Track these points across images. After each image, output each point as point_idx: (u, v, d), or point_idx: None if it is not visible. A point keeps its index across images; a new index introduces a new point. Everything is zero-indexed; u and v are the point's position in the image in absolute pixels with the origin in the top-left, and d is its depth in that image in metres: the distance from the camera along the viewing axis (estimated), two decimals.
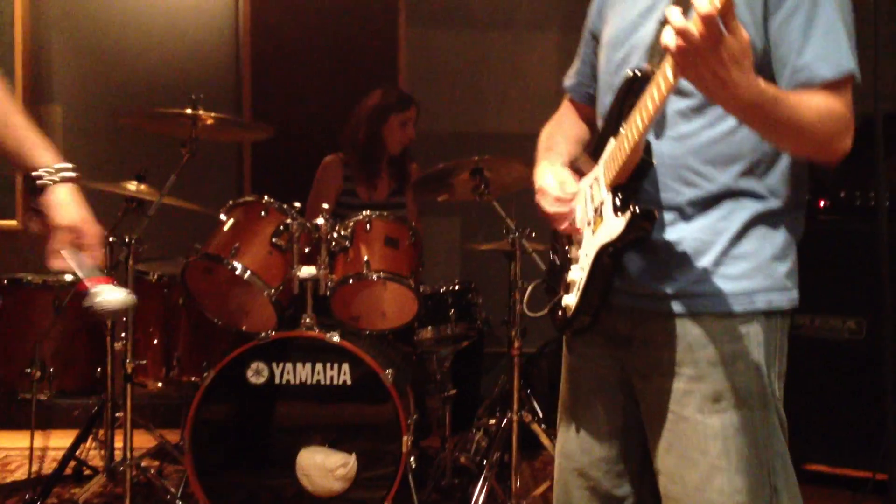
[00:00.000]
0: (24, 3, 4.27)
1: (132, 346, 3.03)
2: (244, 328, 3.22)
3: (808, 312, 3.24)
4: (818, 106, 1.47)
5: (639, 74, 1.54)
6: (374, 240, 3.20)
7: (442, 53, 4.52)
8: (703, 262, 1.59)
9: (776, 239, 1.61)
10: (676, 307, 1.60)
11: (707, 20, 1.25)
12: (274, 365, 2.98)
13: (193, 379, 3.26)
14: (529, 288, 2.30)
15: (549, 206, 1.71)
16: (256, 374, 2.98)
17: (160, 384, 3.30)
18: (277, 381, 2.98)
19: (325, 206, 3.21)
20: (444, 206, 3.82)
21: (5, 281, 3.21)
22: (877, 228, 2.75)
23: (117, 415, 3.16)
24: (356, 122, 3.83)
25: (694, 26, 1.26)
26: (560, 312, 1.74)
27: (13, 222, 4.33)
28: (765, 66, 1.53)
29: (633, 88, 1.54)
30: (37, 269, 3.63)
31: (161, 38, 4.36)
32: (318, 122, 4.35)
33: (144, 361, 3.19)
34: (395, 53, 4.48)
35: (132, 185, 3.30)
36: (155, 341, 3.30)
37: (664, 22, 1.31)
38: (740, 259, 1.59)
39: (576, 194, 1.70)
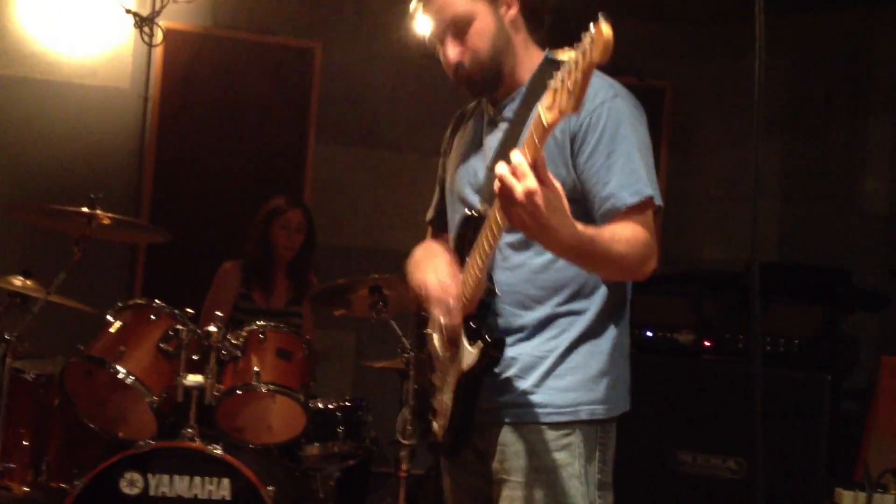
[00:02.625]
0: None
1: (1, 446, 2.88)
2: (121, 435, 3.09)
3: (689, 450, 3.31)
4: (627, 237, 1.63)
5: (475, 215, 1.70)
6: (266, 350, 3.17)
7: (348, 170, 4.61)
8: (535, 376, 1.74)
9: (601, 355, 1.77)
10: (507, 417, 1.75)
11: (516, 169, 1.39)
12: (150, 476, 2.86)
13: (63, 485, 3.09)
14: (402, 415, 2.37)
15: (434, 310, 1.76)
16: (130, 484, 2.85)
17: (26, 489, 3.12)
18: (152, 493, 2.86)
19: (219, 313, 3.18)
20: (341, 320, 3.82)
21: None
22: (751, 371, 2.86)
23: None
24: (249, 229, 3.88)
25: (509, 177, 1.40)
26: (431, 436, 1.85)
27: None
28: (578, 199, 1.69)
29: (471, 226, 1.70)
30: None
31: (65, 132, 4.32)
32: (218, 229, 4.33)
33: (12, 465, 3.02)
34: (302, 166, 4.54)
35: (17, 280, 3.20)
36: (25, 443, 3.13)
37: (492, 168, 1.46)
38: (567, 373, 1.74)
39: (452, 282, 1.75)
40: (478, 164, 1.85)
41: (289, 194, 4.05)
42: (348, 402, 3.38)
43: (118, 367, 2.98)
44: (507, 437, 1.74)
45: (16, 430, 3.10)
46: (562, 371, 1.74)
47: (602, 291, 1.77)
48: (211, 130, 4.48)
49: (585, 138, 1.69)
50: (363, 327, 4.13)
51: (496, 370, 1.71)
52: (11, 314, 3.14)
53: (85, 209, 3.15)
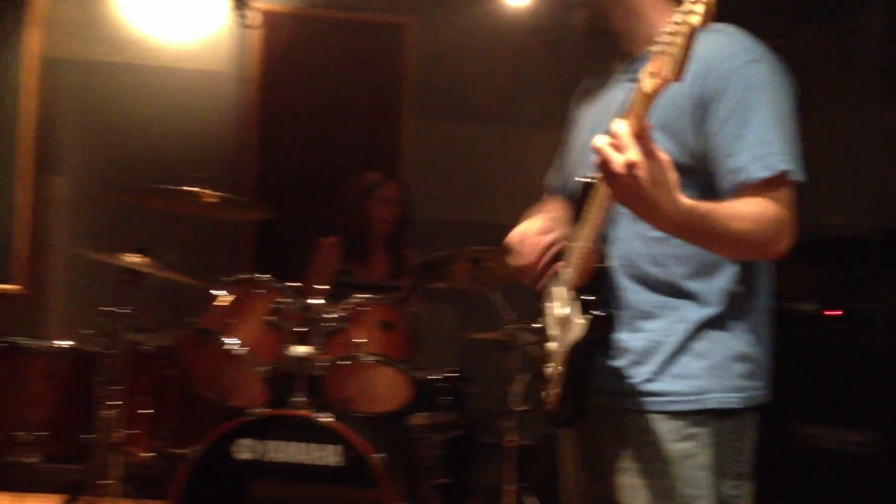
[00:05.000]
0: (35, 76, 4.37)
1: (122, 414, 3.01)
2: (234, 404, 3.20)
3: (814, 423, 3.20)
4: (752, 213, 1.52)
5: (590, 182, 1.60)
6: (369, 322, 3.22)
7: (444, 144, 4.63)
8: (655, 361, 1.64)
9: (732, 338, 1.65)
10: (626, 404, 1.65)
11: (616, 140, 1.33)
12: (262, 442, 2.95)
13: (181, 451, 3.21)
14: (521, 382, 2.33)
15: (510, 259, 1.76)
16: (244, 450, 2.95)
17: (148, 454, 3.26)
18: (265, 458, 2.95)
19: (322, 286, 3.25)
20: (442, 293, 3.85)
21: (2, 345, 3.21)
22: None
23: (103, 482, 3.12)
24: (346, 204, 3.93)
25: (608, 148, 1.34)
26: (544, 406, 1.78)
27: (13, 286, 4.32)
28: (702, 170, 1.60)
29: (585, 194, 1.61)
30: (34, 334, 3.63)
31: (168, 114, 4.45)
32: (318, 205, 4.41)
33: (135, 431, 3.16)
34: (398, 142, 4.58)
35: (132, 258, 3.33)
36: (145, 411, 3.27)
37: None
38: (692, 359, 1.63)
39: (539, 249, 1.73)
40: (598, 128, 1.73)
41: (383, 168, 4.09)
42: (452, 372, 3.41)
43: (228, 339, 3.08)
44: (627, 424, 1.66)
45: (136, 399, 3.24)
46: (685, 356, 1.63)
47: (732, 267, 1.65)
48: (308, 109, 4.55)
49: (716, 105, 1.57)
50: (464, 299, 4.16)
51: (613, 352, 1.65)
52: (128, 290, 3.27)
53: (192, 188, 3.25)
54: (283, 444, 2.95)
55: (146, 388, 3.28)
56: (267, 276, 3.24)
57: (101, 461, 3.10)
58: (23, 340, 3.27)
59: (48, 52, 4.39)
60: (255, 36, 4.47)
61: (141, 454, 3.25)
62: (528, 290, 1.82)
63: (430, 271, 3.56)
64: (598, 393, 1.67)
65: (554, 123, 4.42)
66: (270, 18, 4.48)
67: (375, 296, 3.30)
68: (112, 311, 3.14)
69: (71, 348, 3.26)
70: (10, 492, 3.17)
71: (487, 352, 3.46)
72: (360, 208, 3.90)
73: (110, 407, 3.06)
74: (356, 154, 4.51)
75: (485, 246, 3.32)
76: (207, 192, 3.27)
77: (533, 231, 1.76)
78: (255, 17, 4.41)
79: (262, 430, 2.95)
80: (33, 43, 4.35)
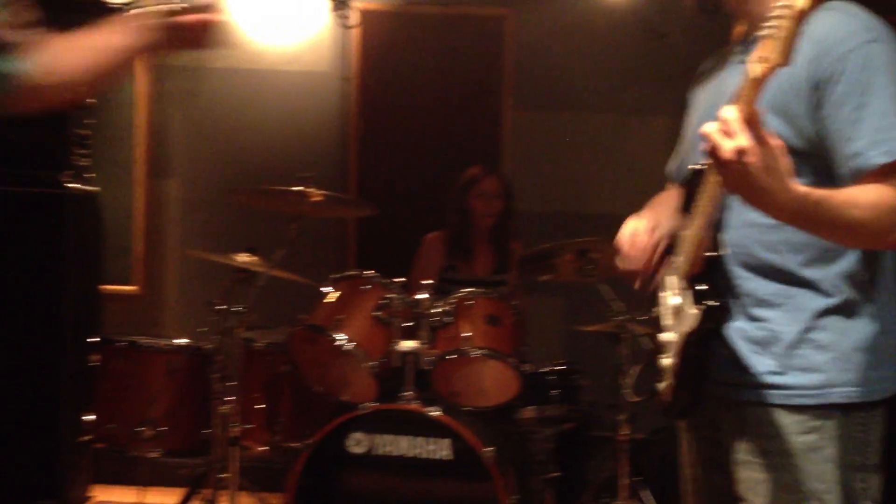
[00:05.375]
0: (147, 82, 4.52)
1: (237, 409, 3.10)
2: (344, 398, 3.25)
3: None
4: (870, 201, 1.46)
5: (701, 169, 1.57)
6: (475, 316, 3.22)
7: (546, 135, 4.58)
8: (774, 352, 1.59)
9: (856, 330, 1.58)
10: (745, 396, 1.61)
11: (725, 126, 1.29)
12: (374, 436, 2.98)
13: (295, 445, 3.28)
14: (632, 372, 2.29)
15: (619, 262, 1.73)
16: (356, 443, 2.99)
17: (263, 448, 3.34)
18: (377, 452, 2.98)
19: (427, 281, 3.26)
20: (548, 286, 3.82)
21: (122, 344, 3.33)
22: None
23: (222, 476, 3.21)
24: (448, 200, 3.94)
25: (718, 134, 1.30)
26: (659, 398, 1.76)
27: (131, 288, 4.49)
28: (817, 154, 1.54)
29: (696, 181, 1.58)
30: (151, 333, 3.76)
31: (274, 116, 4.54)
32: (422, 201, 4.43)
33: (250, 426, 3.24)
34: (499, 135, 4.56)
35: (243, 257, 3.40)
36: (259, 406, 3.35)
37: None
38: (813, 351, 1.58)
39: (648, 250, 1.71)
40: (713, 112, 1.74)
41: (484, 162, 4.09)
42: (562, 365, 3.38)
43: (337, 335, 3.12)
44: (746, 416, 1.62)
45: (250, 394, 3.32)
46: (807, 348, 1.58)
47: (853, 252, 1.58)
48: (409, 105, 4.57)
49: (832, 88, 1.51)
50: (571, 292, 4.12)
51: (730, 342, 1.61)
52: (239, 289, 3.35)
53: (298, 188, 3.31)
54: (393, 437, 2.98)
55: (259, 383, 3.36)
56: (373, 273, 3.28)
57: (220, 455, 3.19)
58: (142, 339, 3.39)
59: (158, 60, 4.53)
60: (355, 35, 4.52)
61: (257, 448, 3.33)
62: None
63: (535, 264, 3.54)
64: (714, 384, 1.64)
65: (658, 110, 4.38)
66: (369, 17, 4.52)
67: (481, 290, 3.29)
68: (225, 309, 3.22)
69: (187, 346, 3.36)
70: (134, 486, 3.30)
71: (597, 344, 3.42)
72: (462, 204, 3.91)
73: (226, 402, 3.14)
74: (457, 149, 4.50)
75: (590, 237, 3.28)
76: (313, 191, 3.32)
77: (640, 231, 1.73)
78: (354, 17, 4.46)
79: (373, 424, 2.99)
80: None
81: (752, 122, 1.30)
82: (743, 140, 1.29)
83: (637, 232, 1.74)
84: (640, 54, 4.45)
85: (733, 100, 1.34)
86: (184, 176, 4.56)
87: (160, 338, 3.50)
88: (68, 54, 1.57)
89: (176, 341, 3.38)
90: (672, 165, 1.96)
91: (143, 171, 4.50)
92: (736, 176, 1.32)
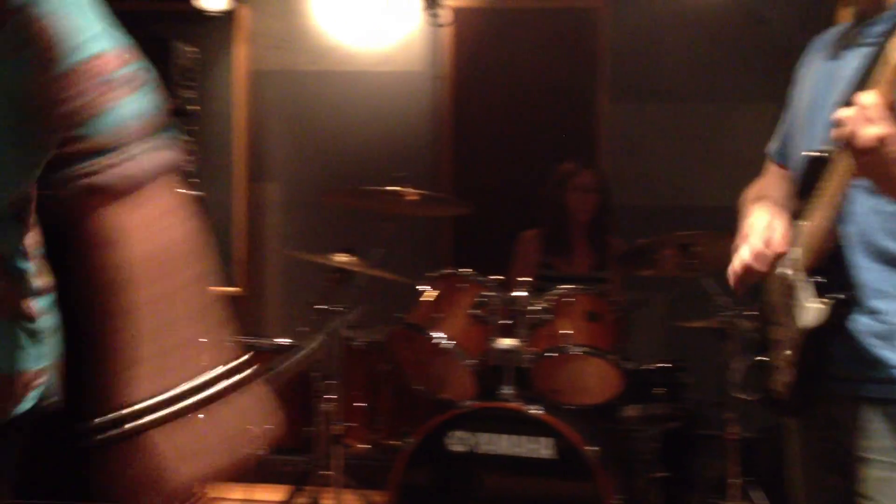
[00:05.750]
0: (245, 89, 4.62)
1: (339, 407, 3.13)
2: (444, 396, 3.24)
3: None
4: None
5: (820, 156, 1.51)
6: (575, 313, 3.17)
7: (643, 127, 4.49)
8: None
9: None
10: (867, 392, 1.54)
11: (864, 112, 1.25)
12: (475, 434, 2.97)
13: (396, 442, 3.30)
14: (740, 371, 2.20)
15: (746, 256, 1.64)
16: (457, 442, 2.98)
17: (365, 445, 3.37)
18: (478, 450, 2.96)
19: (525, 278, 3.24)
20: (649, 281, 3.74)
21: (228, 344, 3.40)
22: None
23: (325, 473, 3.24)
24: (543, 196, 3.89)
25: (858, 121, 1.25)
26: (771, 395, 1.69)
27: (234, 289, 4.60)
28: None
29: (815, 168, 1.51)
30: (254, 333, 3.84)
31: (368, 117, 4.58)
32: (517, 197, 4.40)
33: (352, 424, 3.27)
34: (594, 128, 4.49)
35: (341, 257, 3.44)
36: (360, 404, 3.38)
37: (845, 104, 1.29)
38: None
39: (779, 254, 1.62)
40: (827, 96, 1.63)
41: (579, 157, 4.03)
42: (666, 363, 3.31)
43: (436, 333, 3.13)
44: (869, 413, 1.54)
45: (351, 393, 3.35)
46: None
47: None
48: (502, 101, 4.55)
49: None
50: (673, 287, 4.03)
51: (851, 335, 1.54)
52: (338, 289, 3.38)
53: (393, 188, 3.33)
54: (494, 436, 2.96)
55: (360, 382, 3.39)
56: (470, 271, 3.27)
57: (323, 453, 3.23)
58: (244, 339, 3.45)
59: (255, 66, 4.63)
60: (447, 34, 4.52)
61: (358, 446, 3.36)
62: None
63: (635, 259, 3.47)
64: (832, 380, 1.57)
65: (761, 97, 4.24)
66: (460, 15, 4.52)
67: (580, 286, 3.25)
68: (326, 309, 3.25)
69: (289, 345, 3.41)
70: (241, 483, 3.36)
71: (702, 340, 3.32)
72: (558, 199, 3.86)
73: (328, 400, 3.18)
74: (552, 144, 4.45)
75: (691, 230, 3.19)
76: (408, 190, 3.33)
77: (776, 230, 1.62)
78: (445, 15, 4.45)
79: (474, 422, 2.97)
80: (241, 58, 4.61)
81: (894, 109, 1.26)
82: (885, 127, 1.24)
83: (773, 228, 1.63)
84: (739, 40, 4.32)
85: (870, 85, 1.29)
86: (282, 179, 4.64)
87: (263, 337, 3.56)
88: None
89: (278, 341, 3.44)
90: (774, 146, 1.88)
91: (243, 176, 4.60)
92: (874, 164, 1.28)
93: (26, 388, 1.11)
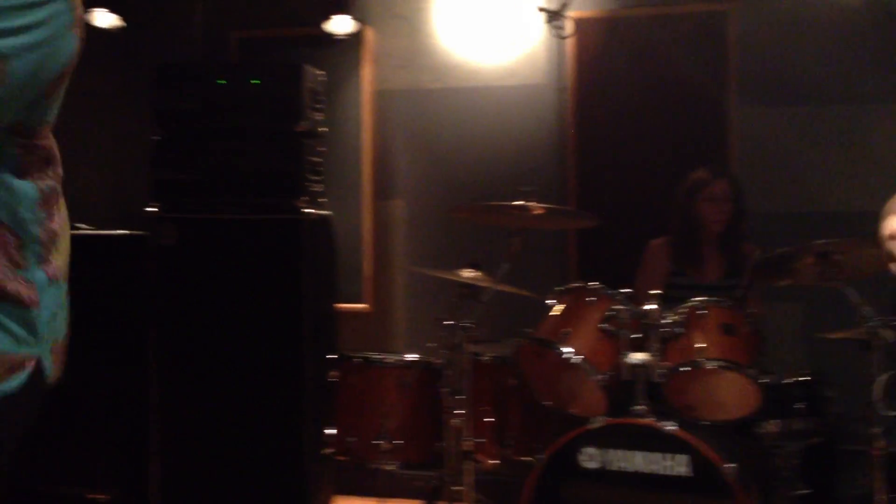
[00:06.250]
0: (371, 109, 4.71)
1: (468, 423, 3.14)
2: (574, 412, 3.21)
3: None
4: None
5: None
6: (708, 326, 3.09)
7: (776, 131, 4.32)
8: None
9: None
10: None
11: None
12: (607, 451, 2.92)
13: (526, 459, 3.29)
14: (885, 381, 2.08)
15: None
16: (589, 459, 2.94)
17: (494, 461, 3.37)
18: (611, 467, 2.92)
19: (655, 291, 3.17)
20: (786, 291, 3.60)
21: (358, 360, 3.48)
22: None
23: (456, 489, 3.26)
24: (674, 205, 3.82)
25: None
26: None
27: (362, 306, 4.69)
28: None
29: None
30: (382, 349, 3.91)
31: (491, 133, 4.59)
32: (645, 208, 4.32)
33: (481, 439, 3.28)
34: (724, 134, 4.36)
35: (467, 273, 3.45)
36: (489, 419, 3.38)
37: None
38: None
39: None
40: None
41: (711, 164, 3.92)
42: (806, 376, 3.17)
43: (565, 349, 3.10)
44: None
45: (479, 408, 3.36)
46: None
47: None
48: (628, 111, 4.48)
49: None
50: (812, 297, 3.87)
51: None
52: (465, 304, 3.40)
53: (519, 202, 3.33)
54: (627, 452, 2.91)
55: (488, 397, 3.39)
56: (598, 284, 3.23)
57: (454, 468, 3.25)
58: (375, 355, 3.52)
59: (380, 86, 4.72)
60: (570, 45, 4.49)
61: (488, 461, 3.36)
62: (885, 283, 1.61)
63: (771, 269, 3.34)
64: None
65: None
66: (583, 25, 4.48)
67: (713, 298, 3.16)
68: (453, 324, 3.27)
69: (418, 361, 3.45)
70: (374, 497, 3.42)
71: (844, 352, 3.17)
72: (689, 209, 3.78)
73: (457, 416, 3.19)
74: (680, 152, 4.34)
75: (829, 237, 3.05)
76: (535, 204, 3.33)
77: None
78: (568, 27, 4.43)
79: (606, 438, 2.93)
80: (367, 79, 4.71)
81: None
82: None
83: None
84: (874, 38, 4.12)
85: None
86: (408, 196, 4.71)
87: (392, 353, 3.62)
88: None
89: (407, 357, 3.49)
90: None
91: (370, 193, 4.69)
92: None
93: (9, 370, 1.28)
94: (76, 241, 1.45)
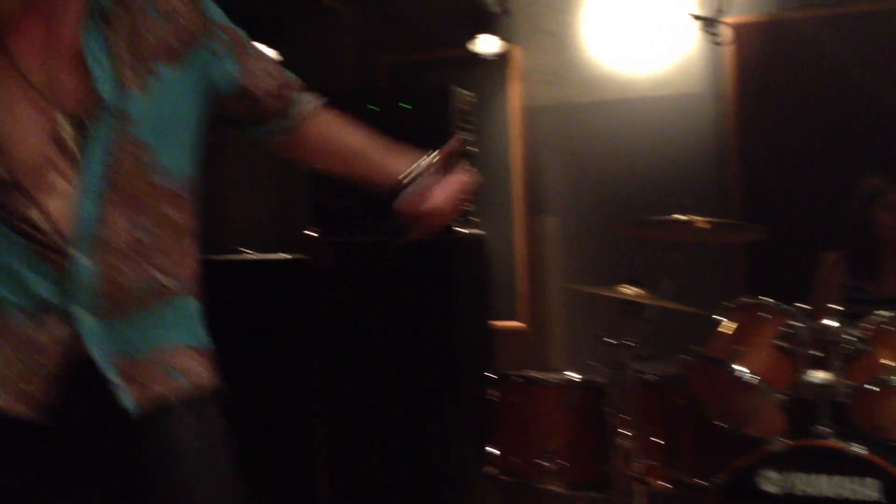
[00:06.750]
0: (520, 126, 4.69)
1: (636, 444, 3.03)
2: (749, 433, 3.05)
3: None
4: None
5: None
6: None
7: None
8: None
9: None
10: None
11: None
12: (789, 474, 2.76)
13: (700, 481, 3.14)
14: None
15: None
16: (770, 482, 2.78)
17: (665, 484, 3.23)
18: (794, 492, 2.74)
19: (834, 306, 2.99)
20: None
21: (519, 379, 3.42)
22: None
23: None
24: (847, 215, 3.64)
25: None
26: None
27: (518, 324, 4.65)
28: None
29: None
30: (539, 367, 3.84)
31: (646, 143, 4.47)
32: (816, 218, 4.09)
33: (651, 461, 3.16)
34: None
35: (627, 289, 3.35)
36: (657, 440, 3.26)
37: None
38: None
39: None
40: None
41: (887, 172, 3.70)
42: None
43: (738, 367, 2.96)
44: None
45: (646, 428, 3.24)
46: None
47: None
48: (792, 117, 4.27)
49: None
50: None
51: None
52: (626, 321, 3.30)
53: (680, 216, 3.21)
54: (812, 476, 2.73)
55: (656, 417, 3.27)
56: (771, 300, 3.08)
57: (623, 490, 3.14)
58: (536, 374, 3.46)
59: (529, 103, 4.69)
60: (728, 52, 4.32)
61: (658, 483, 3.23)
62: None
63: None
64: None
65: None
66: (742, 31, 4.30)
67: None
68: (616, 342, 3.18)
69: (581, 380, 3.37)
70: None
71: None
72: (864, 218, 3.59)
73: (624, 436, 3.09)
74: (853, 159, 4.10)
75: None
76: (697, 218, 3.20)
77: None
78: (725, 33, 4.27)
79: (787, 461, 2.76)
80: (515, 96, 4.69)
81: None
82: None
83: None
84: None
85: None
86: (560, 212, 4.65)
87: (552, 371, 3.55)
88: (330, 141, 1.74)
89: (569, 375, 3.41)
90: None
91: (522, 210, 4.65)
92: None
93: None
94: (241, 265, 1.56)
